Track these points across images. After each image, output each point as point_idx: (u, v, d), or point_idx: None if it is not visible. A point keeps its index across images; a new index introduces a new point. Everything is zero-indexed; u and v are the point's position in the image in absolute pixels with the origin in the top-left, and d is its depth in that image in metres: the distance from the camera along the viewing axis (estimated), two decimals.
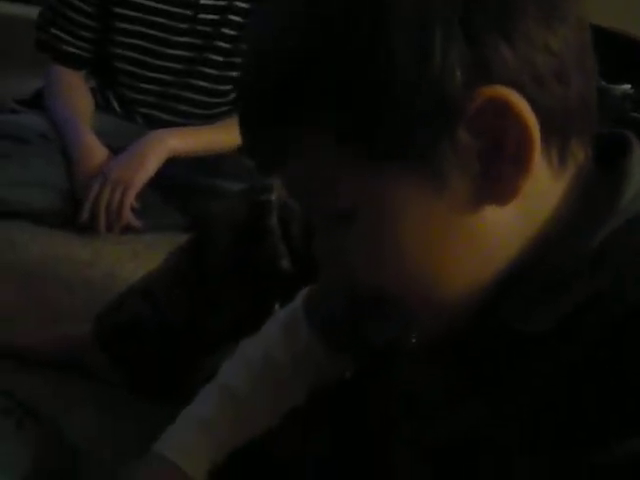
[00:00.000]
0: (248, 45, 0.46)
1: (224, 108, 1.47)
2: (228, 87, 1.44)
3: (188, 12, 1.37)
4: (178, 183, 1.36)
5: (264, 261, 0.81)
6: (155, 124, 1.40)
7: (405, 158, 0.40)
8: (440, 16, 0.37)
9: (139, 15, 1.36)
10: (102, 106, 1.45)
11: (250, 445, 0.70)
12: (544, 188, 0.42)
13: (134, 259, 1.27)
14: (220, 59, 1.40)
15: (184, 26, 1.38)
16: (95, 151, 1.31)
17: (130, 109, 1.45)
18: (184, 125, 1.41)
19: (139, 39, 1.38)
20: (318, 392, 0.72)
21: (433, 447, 0.52)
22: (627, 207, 0.42)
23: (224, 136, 1.35)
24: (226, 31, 1.39)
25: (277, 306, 0.86)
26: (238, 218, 0.83)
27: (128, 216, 1.29)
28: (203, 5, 1.36)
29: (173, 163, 1.31)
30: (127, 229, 1.31)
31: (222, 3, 1.37)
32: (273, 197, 0.81)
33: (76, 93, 1.42)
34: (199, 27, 1.38)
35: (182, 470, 0.66)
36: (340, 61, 0.39)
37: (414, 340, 0.52)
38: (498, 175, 0.39)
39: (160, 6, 1.36)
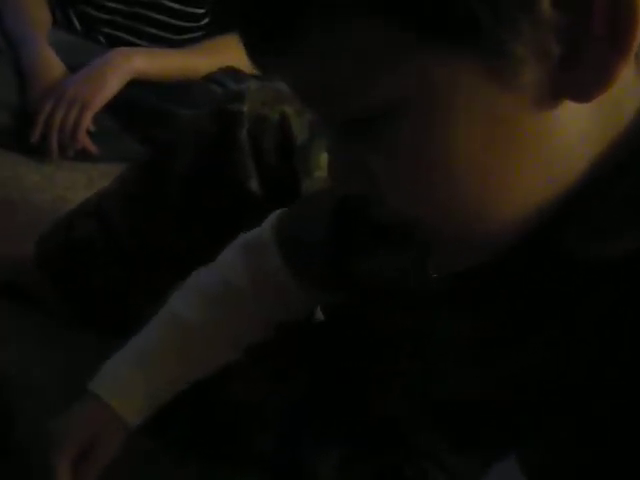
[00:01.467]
0: None
1: (195, 34, 1.36)
2: (201, 10, 1.34)
3: None
4: (140, 108, 1.25)
5: (230, 180, 0.73)
6: (119, 46, 1.28)
7: (467, 40, 0.31)
8: None
9: None
10: (61, 24, 1.34)
11: (203, 383, 0.63)
12: (625, 85, 0.33)
13: (88, 186, 1.18)
14: None
15: None
16: (52, 65, 1.21)
17: (93, 28, 1.34)
18: None
19: None
20: (287, 327, 0.66)
21: (448, 399, 0.48)
22: None
23: (197, 60, 1.25)
24: None
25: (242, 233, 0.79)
26: (204, 130, 0.74)
27: (83, 139, 1.19)
28: None
29: (136, 85, 1.21)
30: (82, 154, 1.21)
31: None
32: (245, 108, 0.72)
33: (34, 5, 1.31)
34: None
35: (116, 412, 0.60)
36: None
37: (435, 275, 0.45)
38: (586, 60, 0.31)
39: None
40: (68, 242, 0.81)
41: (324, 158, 0.75)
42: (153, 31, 1.34)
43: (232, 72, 1.25)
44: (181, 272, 0.73)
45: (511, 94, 0.32)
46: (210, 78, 1.24)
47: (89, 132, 1.20)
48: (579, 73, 0.31)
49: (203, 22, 1.37)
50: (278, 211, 0.66)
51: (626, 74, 0.32)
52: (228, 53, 1.29)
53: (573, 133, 0.34)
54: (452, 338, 0.46)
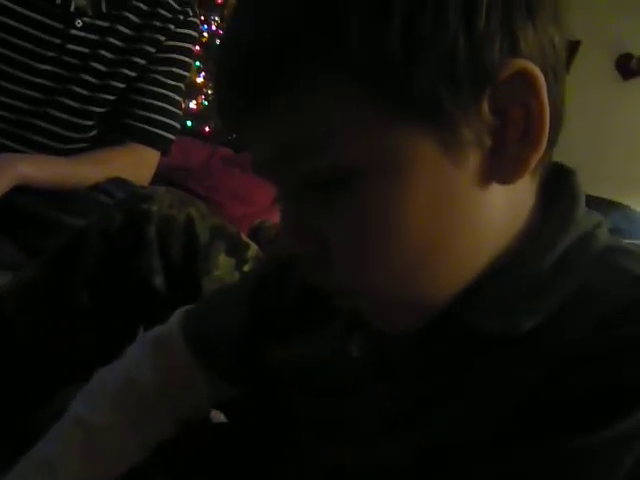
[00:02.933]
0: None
1: (83, 144, 1.39)
2: (89, 122, 1.37)
3: (56, 40, 1.30)
4: (21, 216, 1.22)
5: (136, 276, 0.76)
6: (4, 152, 1.27)
7: (428, 115, 0.38)
8: None
9: (1, 35, 1.28)
10: None
11: None
12: (525, 182, 0.44)
13: None
14: (84, 92, 1.34)
15: (50, 54, 1.30)
16: None
17: None
18: None
19: None
20: (193, 424, 0.66)
21: (361, 471, 0.50)
22: (581, 220, 0.45)
23: (85, 170, 1.26)
24: (95, 65, 1.33)
25: (142, 328, 0.80)
26: (112, 226, 0.77)
27: None
28: (74, 36, 1.31)
29: (19, 191, 1.18)
30: None
31: (94, 37, 1.32)
32: (154, 208, 0.76)
33: None
34: (66, 58, 1.31)
35: None
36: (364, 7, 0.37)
37: (356, 355, 0.50)
38: (509, 151, 0.40)
39: (24, 28, 1.28)
40: None
41: (222, 259, 0.80)
42: (38, 139, 1.34)
43: (119, 182, 1.27)
44: (83, 372, 0.72)
45: (457, 170, 0.40)
46: (97, 188, 1.25)
47: None
48: (502, 161, 0.41)
49: (91, 134, 1.40)
50: (184, 308, 0.68)
51: (525, 176, 0.42)
52: (116, 164, 1.33)
53: (495, 210, 0.42)
54: (371, 413, 0.50)
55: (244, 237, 0.84)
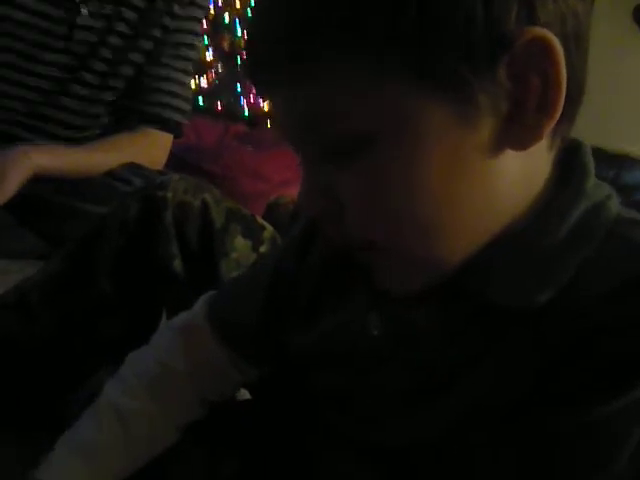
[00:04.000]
0: None
1: (95, 131, 1.40)
2: (100, 109, 1.39)
3: (63, 30, 1.31)
4: (38, 204, 1.24)
5: (155, 261, 0.77)
6: (16, 143, 1.27)
7: (445, 83, 0.39)
8: None
9: (7, 27, 1.28)
10: None
11: (146, 468, 0.64)
12: (542, 153, 0.44)
13: None
14: (94, 80, 1.35)
15: (57, 44, 1.31)
16: None
17: None
18: None
19: (6, 52, 1.29)
20: (222, 405, 0.68)
21: (396, 447, 0.51)
22: (591, 191, 0.45)
23: (99, 157, 1.28)
24: (103, 52, 1.34)
25: (164, 311, 0.82)
26: (129, 214, 0.78)
27: None
28: (80, 25, 1.31)
29: (36, 180, 1.20)
30: None
31: (100, 24, 1.33)
32: (169, 195, 0.77)
33: None
34: (74, 47, 1.32)
35: None
36: None
37: (375, 333, 0.52)
38: (525, 117, 0.41)
39: (33, 20, 1.29)
40: None
41: (239, 241, 0.81)
42: (51, 129, 1.36)
43: (134, 168, 1.29)
44: (109, 358, 0.74)
45: (471, 136, 0.41)
46: (112, 174, 1.27)
47: None
48: (518, 127, 0.41)
49: (101, 121, 1.41)
50: (206, 295, 0.70)
51: (542, 144, 0.42)
52: (129, 150, 1.34)
53: (509, 177, 0.43)
54: (393, 388, 0.51)
55: (259, 219, 0.85)
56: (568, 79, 0.41)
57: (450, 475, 0.49)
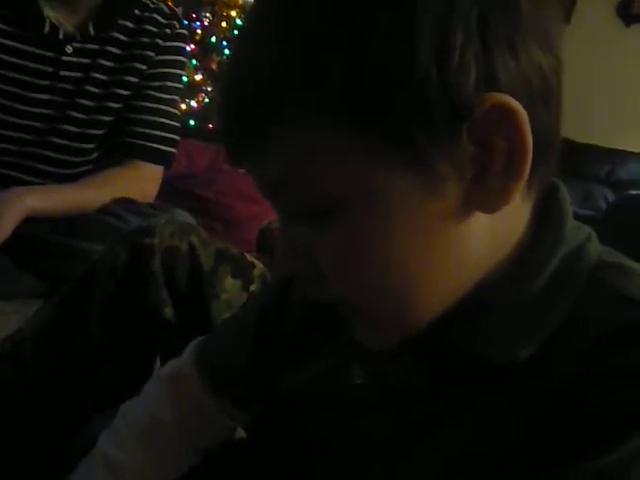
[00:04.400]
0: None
1: (86, 167, 1.41)
2: (90, 145, 1.39)
3: (49, 69, 1.32)
4: (33, 244, 1.25)
5: (146, 309, 0.78)
6: (12, 185, 1.29)
7: (405, 153, 0.39)
8: (463, 15, 0.38)
9: None
10: None
11: None
12: (516, 207, 0.43)
13: None
14: (82, 117, 1.36)
15: (44, 83, 1.32)
16: None
17: None
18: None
19: None
20: (214, 451, 0.68)
21: None
22: (570, 235, 0.45)
23: (90, 193, 1.29)
24: (90, 89, 1.35)
25: (158, 359, 0.82)
26: (118, 262, 0.78)
27: None
28: (65, 62, 1.33)
29: (30, 220, 1.22)
30: None
31: (85, 61, 1.34)
32: (155, 241, 0.78)
33: None
34: (61, 84, 1.33)
35: None
36: (356, 44, 0.38)
37: (359, 382, 0.52)
38: (492, 181, 0.40)
39: (18, 61, 1.30)
40: None
41: (229, 282, 0.82)
42: (43, 167, 1.37)
43: (126, 203, 1.30)
44: (102, 407, 0.75)
45: (436, 204, 0.41)
46: (106, 210, 1.28)
47: None
48: (485, 192, 0.41)
49: (92, 157, 1.42)
50: (197, 340, 0.70)
51: (515, 200, 0.42)
52: (120, 184, 1.35)
53: (480, 236, 0.43)
54: (379, 436, 0.51)
55: (248, 257, 0.85)
56: (537, 136, 0.40)
57: None
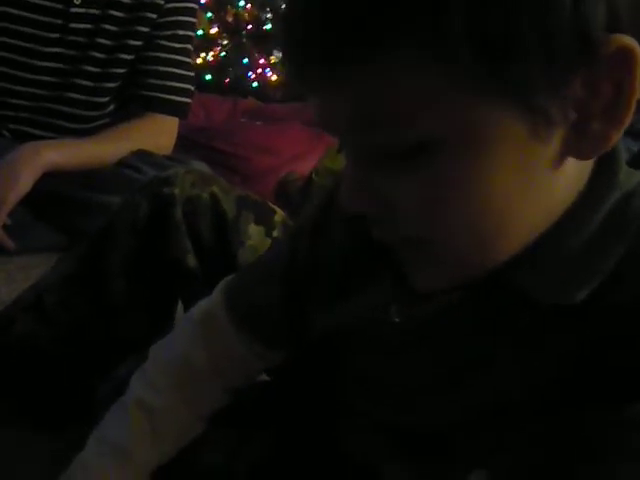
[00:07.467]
0: None
1: (102, 121, 1.40)
2: (105, 99, 1.38)
3: (58, 21, 1.30)
4: (53, 199, 1.25)
5: (169, 258, 0.77)
6: (27, 141, 1.28)
7: (521, 95, 0.37)
8: None
9: (5, 24, 1.27)
10: None
11: (178, 457, 0.64)
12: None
13: (8, 283, 1.17)
14: (96, 70, 1.34)
15: (54, 36, 1.30)
16: None
17: None
18: None
19: (4, 51, 1.29)
20: (246, 391, 0.68)
21: (418, 428, 0.51)
22: (623, 179, 0.44)
23: (107, 147, 1.28)
24: (101, 41, 1.32)
25: (180, 304, 0.82)
26: (139, 213, 0.77)
27: (0, 237, 1.18)
28: (75, 14, 1.30)
29: (49, 175, 1.21)
30: None
31: (95, 12, 1.31)
32: (176, 190, 0.76)
33: None
34: (71, 37, 1.31)
35: None
36: None
37: (397, 320, 0.51)
38: (592, 128, 0.39)
39: (26, 14, 1.28)
40: (10, 339, 0.81)
41: (252, 228, 0.81)
42: (59, 123, 1.36)
43: (143, 155, 1.28)
44: (131, 352, 0.75)
45: (540, 148, 0.39)
46: (123, 163, 1.26)
47: (4, 226, 1.19)
48: (585, 138, 0.39)
49: (107, 110, 1.40)
50: (225, 280, 0.69)
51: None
52: (136, 137, 1.34)
53: (566, 181, 0.42)
54: (422, 371, 0.51)
55: (269, 203, 0.84)
56: None
57: (479, 457, 0.49)
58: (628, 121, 0.38)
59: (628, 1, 0.37)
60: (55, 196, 1.25)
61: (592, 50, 0.36)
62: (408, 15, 0.35)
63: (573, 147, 0.40)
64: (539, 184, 0.41)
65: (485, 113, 0.37)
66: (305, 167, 1.72)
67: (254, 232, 0.80)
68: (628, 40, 0.37)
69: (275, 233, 0.82)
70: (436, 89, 0.37)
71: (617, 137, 0.39)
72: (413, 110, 0.37)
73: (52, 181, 1.22)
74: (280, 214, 0.83)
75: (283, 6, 3.02)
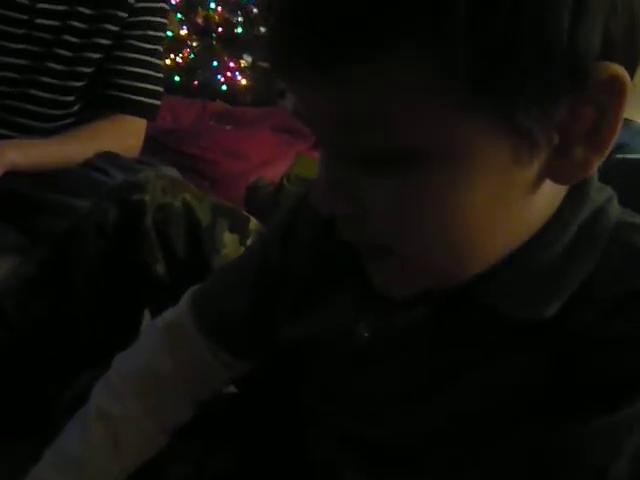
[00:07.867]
0: None
1: (67, 120, 1.35)
2: (71, 98, 1.34)
3: (24, 17, 1.25)
4: (14, 199, 1.20)
5: (136, 264, 0.75)
6: None
7: (507, 116, 0.36)
8: None
9: None
10: None
11: (144, 469, 0.63)
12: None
13: None
14: (61, 68, 1.29)
15: (20, 32, 1.26)
16: None
17: None
18: None
19: None
20: (212, 402, 0.66)
21: (382, 443, 0.51)
22: (593, 195, 0.44)
23: (73, 147, 1.24)
24: (67, 38, 1.28)
25: (147, 313, 0.80)
26: (108, 218, 0.75)
27: None
28: (41, 9, 1.26)
29: (11, 177, 1.17)
30: None
31: (62, 8, 1.27)
32: (147, 197, 0.74)
33: None
34: (37, 33, 1.27)
35: None
36: None
37: (366, 335, 0.51)
38: (575, 153, 0.39)
39: None
40: None
41: (227, 236, 0.79)
42: (23, 121, 1.31)
43: (112, 157, 1.25)
44: (90, 363, 0.72)
45: (521, 171, 0.39)
46: (90, 165, 1.22)
47: None
48: (566, 162, 0.39)
49: (74, 109, 1.36)
50: (192, 288, 0.67)
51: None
52: (103, 138, 1.30)
53: (542, 201, 0.42)
54: (389, 383, 0.51)
55: (243, 211, 0.83)
56: None
57: (447, 472, 0.49)
58: (609, 149, 0.38)
59: (623, 25, 0.37)
60: (17, 196, 1.20)
61: (583, 76, 0.36)
62: (408, 15, 0.34)
63: (553, 171, 0.40)
64: (515, 203, 0.41)
65: (470, 130, 0.37)
66: (274, 173, 1.71)
67: (229, 240, 0.79)
68: (620, 70, 0.37)
69: (249, 241, 0.81)
70: (424, 99, 0.36)
71: (598, 163, 0.39)
72: (404, 113, 0.37)
73: (14, 180, 1.17)
74: (254, 222, 0.83)
75: (255, 10, 3.02)
